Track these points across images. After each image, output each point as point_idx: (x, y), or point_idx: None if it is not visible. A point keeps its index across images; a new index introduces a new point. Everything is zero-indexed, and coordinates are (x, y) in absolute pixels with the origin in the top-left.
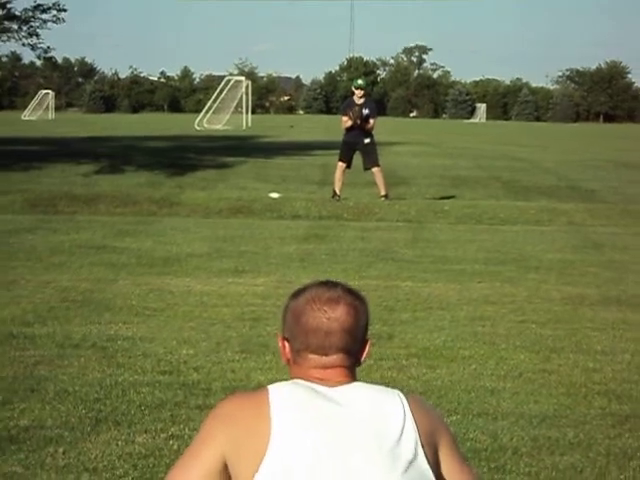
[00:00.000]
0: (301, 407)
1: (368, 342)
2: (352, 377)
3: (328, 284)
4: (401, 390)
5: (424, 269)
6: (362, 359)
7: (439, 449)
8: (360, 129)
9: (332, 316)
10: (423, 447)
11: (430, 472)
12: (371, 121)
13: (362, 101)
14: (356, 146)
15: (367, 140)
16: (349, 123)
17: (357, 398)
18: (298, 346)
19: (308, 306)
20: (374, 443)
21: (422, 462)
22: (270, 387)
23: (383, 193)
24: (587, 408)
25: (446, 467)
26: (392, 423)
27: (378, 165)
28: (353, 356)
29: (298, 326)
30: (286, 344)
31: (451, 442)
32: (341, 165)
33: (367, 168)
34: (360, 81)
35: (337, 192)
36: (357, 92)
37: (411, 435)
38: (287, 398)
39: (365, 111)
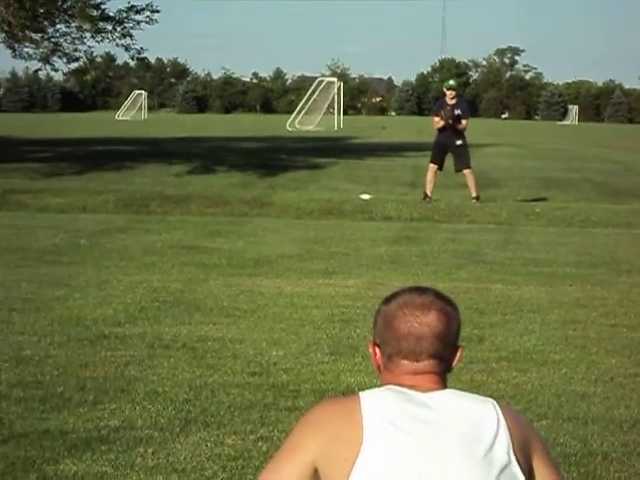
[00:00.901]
0: (393, 413)
1: (460, 348)
2: (443, 384)
3: (420, 289)
4: (492, 397)
5: (515, 272)
6: (453, 365)
7: (532, 457)
8: (452, 130)
9: (424, 321)
10: (516, 455)
11: (522, 478)
12: (463, 122)
13: (454, 102)
14: (448, 147)
15: (459, 142)
16: (441, 123)
17: (449, 404)
18: (390, 351)
19: (400, 311)
20: (467, 448)
21: (515, 469)
22: (361, 393)
23: (474, 195)
24: None
25: (540, 475)
26: (485, 429)
27: (469, 167)
28: (444, 362)
29: (389, 331)
30: (377, 350)
31: (544, 450)
32: (432, 167)
33: (458, 170)
34: (452, 81)
35: (428, 194)
36: (448, 93)
37: (504, 442)
38: (379, 404)
39: (457, 111)
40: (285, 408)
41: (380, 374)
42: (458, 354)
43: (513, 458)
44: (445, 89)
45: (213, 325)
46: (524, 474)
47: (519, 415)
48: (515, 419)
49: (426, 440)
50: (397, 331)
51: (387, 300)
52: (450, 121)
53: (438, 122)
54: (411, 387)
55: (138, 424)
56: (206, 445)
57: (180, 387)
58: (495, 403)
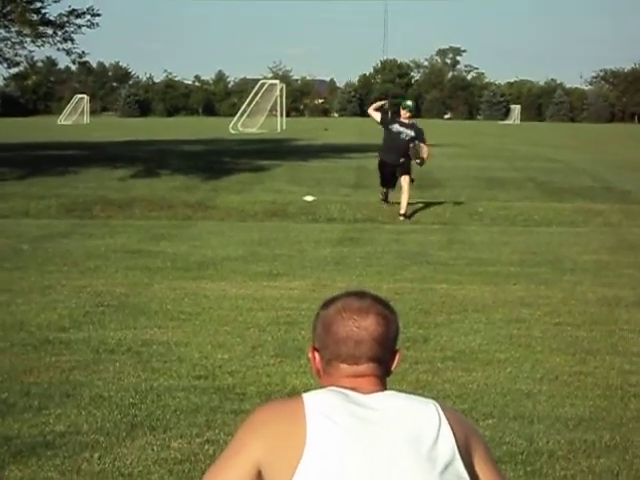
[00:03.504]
0: (336, 412)
1: (398, 352)
2: (383, 386)
3: (358, 294)
4: (438, 397)
5: (459, 271)
6: (392, 369)
7: (474, 456)
8: (397, 150)
9: (362, 325)
10: (460, 452)
11: (467, 476)
12: (425, 149)
13: (407, 122)
14: (393, 166)
15: (402, 160)
16: (378, 104)
17: (391, 404)
18: (329, 356)
19: (338, 315)
20: (410, 446)
21: (459, 466)
22: (304, 395)
23: (402, 212)
24: (623, 410)
25: (482, 476)
26: (428, 428)
27: (409, 174)
28: (383, 365)
29: (328, 336)
30: (316, 355)
31: (486, 453)
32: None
33: (399, 175)
34: (409, 102)
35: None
36: (403, 112)
37: (448, 439)
38: (322, 404)
39: (412, 135)
40: (231, 411)
41: (319, 379)
42: (397, 358)
43: (457, 456)
44: (401, 108)
45: (158, 329)
46: (467, 472)
47: (461, 415)
48: (457, 418)
49: (370, 439)
50: (336, 335)
51: (325, 305)
52: (417, 160)
53: (376, 107)
54: (352, 389)
55: (84, 429)
56: (152, 449)
57: (126, 391)
58: (436, 403)
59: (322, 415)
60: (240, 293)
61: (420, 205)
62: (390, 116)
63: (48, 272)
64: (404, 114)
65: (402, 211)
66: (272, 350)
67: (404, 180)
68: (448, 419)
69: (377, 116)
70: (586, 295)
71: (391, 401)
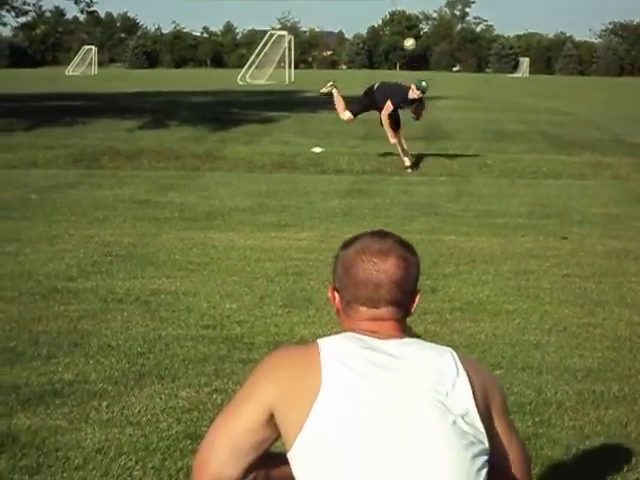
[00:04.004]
0: (352, 358)
1: (418, 293)
2: (403, 331)
3: (379, 234)
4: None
5: (467, 223)
6: (412, 310)
7: (491, 410)
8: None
9: (381, 268)
10: (476, 402)
11: (482, 427)
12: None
13: (416, 103)
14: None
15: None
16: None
17: (409, 351)
18: (348, 297)
19: (358, 257)
20: (426, 393)
21: (475, 417)
22: (319, 340)
23: (408, 164)
24: (632, 362)
25: (498, 436)
26: (444, 376)
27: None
28: (403, 308)
29: (347, 278)
30: (336, 295)
31: (503, 408)
32: (349, 115)
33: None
34: (424, 83)
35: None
36: (418, 93)
37: (464, 390)
38: (337, 349)
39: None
40: (239, 360)
41: (340, 318)
42: (417, 299)
43: (473, 406)
44: (415, 86)
45: (166, 279)
46: (483, 422)
47: (479, 365)
48: (475, 369)
49: (386, 385)
50: (355, 278)
51: (346, 245)
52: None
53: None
54: (371, 333)
55: (92, 378)
56: (160, 398)
57: (134, 341)
58: (453, 352)
59: (337, 360)
60: (248, 244)
61: (428, 157)
62: (400, 95)
63: (56, 222)
64: (417, 94)
65: (407, 163)
66: (280, 300)
67: (383, 117)
68: (466, 369)
69: (347, 115)
70: (595, 247)
71: (409, 349)
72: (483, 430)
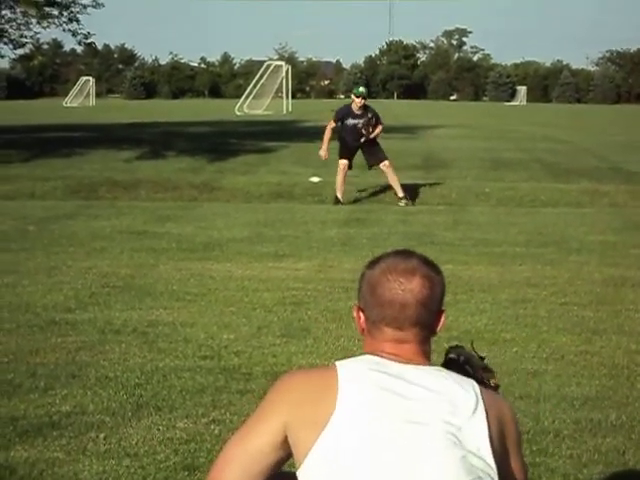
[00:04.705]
0: (368, 381)
1: (443, 312)
2: (425, 354)
3: (404, 254)
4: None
5: (465, 252)
6: (437, 329)
7: (506, 446)
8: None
9: (407, 287)
10: (491, 438)
11: (493, 463)
12: (378, 128)
13: (361, 112)
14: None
15: (363, 139)
16: (327, 138)
17: (427, 379)
18: (374, 317)
19: (383, 277)
20: (437, 424)
21: (486, 453)
22: (337, 363)
23: (401, 195)
24: (629, 390)
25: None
26: (460, 409)
27: (386, 158)
28: (428, 328)
29: (373, 297)
30: (361, 314)
31: (517, 447)
32: (343, 164)
33: (372, 165)
34: (362, 89)
35: (339, 198)
36: (357, 100)
37: (479, 427)
38: (355, 372)
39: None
40: (237, 391)
41: (364, 338)
42: (442, 318)
43: (486, 443)
44: (354, 96)
45: (164, 309)
46: (495, 458)
47: (499, 398)
48: (494, 402)
49: (398, 412)
50: (381, 298)
51: (371, 264)
52: (364, 132)
53: (325, 140)
54: (394, 356)
55: (90, 409)
56: (158, 429)
57: (131, 372)
58: (475, 385)
59: (355, 384)
60: (246, 274)
61: (426, 186)
62: (342, 110)
63: (54, 253)
64: (358, 102)
65: (400, 194)
66: (278, 330)
67: (384, 166)
68: (486, 406)
69: (329, 129)
70: (592, 275)
71: (428, 376)
72: (494, 466)
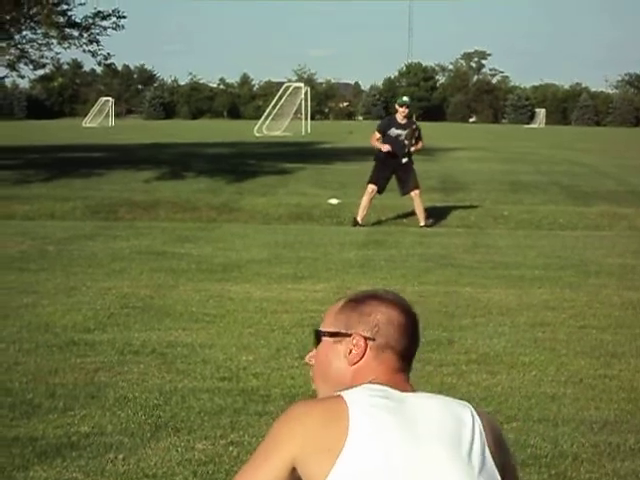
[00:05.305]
0: (376, 408)
1: None
2: (412, 386)
3: (386, 291)
4: (462, 399)
5: (484, 275)
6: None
7: (505, 462)
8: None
9: (415, 323)
10: (492, 455)
11: (498, 477)
12: (420, 143)
13: (405, 122)
14: (393, 166)
15: (405, 160)
16: (386, 147)
17: (429, 403)
18: (392, 344)
19: (404, 314)
20: (451, 447)
21: (492, 469)
22: (343, 393)
23: (422, 223)
24: None
25: None
26: (464, 429)
27: (418, 187)
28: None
29: (392, 327)
30: (369, 343)
31: (514, 465)
32: (371, 188)
33: (405, 193)
34: (405, 98)
35: (359, 221)
36: (401, 110)
37: (482, 442)
38: (363, 400)
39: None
40: (255, 413)
41: (356, 369)
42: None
43: (490, 459)
44: (398, 106)
45: (182, 330)
46: (498, 469)
47: (493, 420)
48: (491, 424)
49: (411, 435)
50: (404, 330)
51: (378, 297)
52: (406, 142)
53: (379, 143)
54: (389, 384)
55: (108, 430)
56: (176, 450)
57: (150, 393)
58: (470, 406)
59: (364, 412)
60: (264, 295)
61: (445, 208)
62: (385, 121)
63: (73, 274)
64: (402, 111)
65: (422, 223)
66: (296, 352)
67: (414, 194)
68: (482, 422)
69: (374, 141)
70: (611, 298)
71: (429, 401)
72: (499, 478)
